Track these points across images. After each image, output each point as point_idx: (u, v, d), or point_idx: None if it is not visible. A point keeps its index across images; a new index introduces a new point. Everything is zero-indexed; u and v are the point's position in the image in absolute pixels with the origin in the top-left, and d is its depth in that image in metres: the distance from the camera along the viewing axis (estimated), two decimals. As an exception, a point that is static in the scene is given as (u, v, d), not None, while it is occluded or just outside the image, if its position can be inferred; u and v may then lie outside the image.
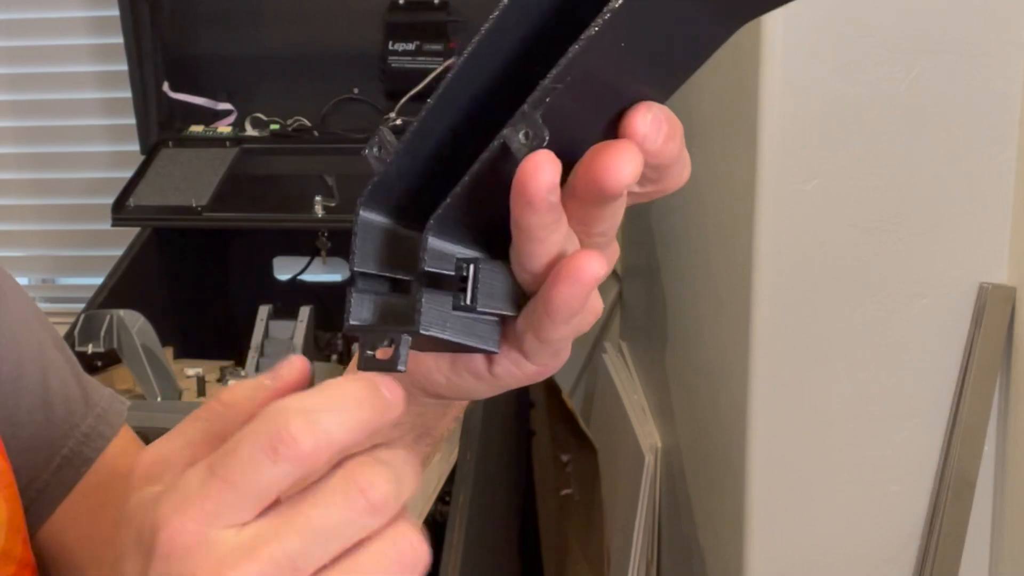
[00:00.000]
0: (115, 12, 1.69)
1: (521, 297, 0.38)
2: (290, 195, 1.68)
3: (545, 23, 0.35)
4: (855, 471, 1.20)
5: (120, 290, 1.50)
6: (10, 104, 2.08)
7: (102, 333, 1.33)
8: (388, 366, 0.35)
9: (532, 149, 0.32)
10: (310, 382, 0.34)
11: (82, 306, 1.45)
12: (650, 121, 0.34)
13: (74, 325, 1.36)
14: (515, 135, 0.32)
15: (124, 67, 1.72)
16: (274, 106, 1.74)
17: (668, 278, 1.61)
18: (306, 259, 1.75)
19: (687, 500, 1.51)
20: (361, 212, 0.36)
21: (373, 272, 0.37)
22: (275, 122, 1.73)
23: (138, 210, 1.58)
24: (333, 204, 1.54)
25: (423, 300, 0.35)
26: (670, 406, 1.60)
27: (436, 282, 0.36)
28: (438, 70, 1.67)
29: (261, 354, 1.38)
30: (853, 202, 1.12)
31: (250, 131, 1.72)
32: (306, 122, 1.73)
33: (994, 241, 1.12)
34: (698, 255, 1.43)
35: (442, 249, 0.35)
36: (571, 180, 0.35)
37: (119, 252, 1.59)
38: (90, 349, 1.33)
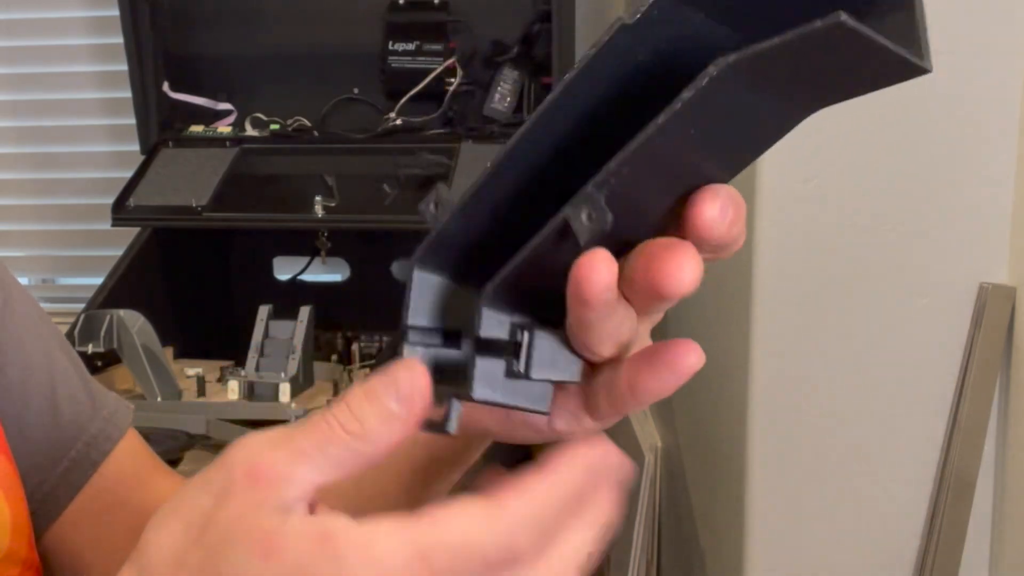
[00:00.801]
0: (115, 12, 1.68)
1: (578, 363, 0.37)
2: (290, 195, 1.67)
3: (614, 96, 0.34)
4: (855, 471, 1.20)
5: (120, 290, 1.50)
6: (10, 104, 2.08)
7: (102, 333, 1.33)
8: (439, 428, 0.35)
9: (594, 232, 0.32)
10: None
11: (82, 306, 1.45)
12: (718, 209, 0.34)
13: (74, 325, 1.36)
14: (578, 215, 0.32)
15: (124, 67, 1.72)
16: (274, 106, 1.74)
17: (668, 278, 1.61)
18: (306, 259, 1.75)
19: (687, 500, 1.51)
20: (416, 270, 0.36)
21: (425, 325, 0.37)
22: (275, 122, 1.73)
23: (138, 210, 1.58)
24: (333, 204, 1.54)
25: (476, 367, 0.35)
26: (670, 406, 1.60)
27: (489, 345, 0.36)
28: (438, 70, 1.67)
29: (261, 354, 1.38)
30: (853, 202, 1.12)
31: (250, 131, 1.72)
32: (306, 122, 1.73)
33: (994, 241, 1.12)
34: (698, 255, 1.43)
35: (497, 315, 0.35)
36: (630, 274, 0.34)
37: (119, 252, 1.59)
38: (90, 349, 1.33)
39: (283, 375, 1.33)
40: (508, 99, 1.68)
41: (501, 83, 1.68)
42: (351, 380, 1.45)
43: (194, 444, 1.17)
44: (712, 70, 0.29)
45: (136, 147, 1.73)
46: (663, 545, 1.64)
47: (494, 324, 0.35)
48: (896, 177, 1.12)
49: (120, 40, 1.70)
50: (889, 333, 1.15)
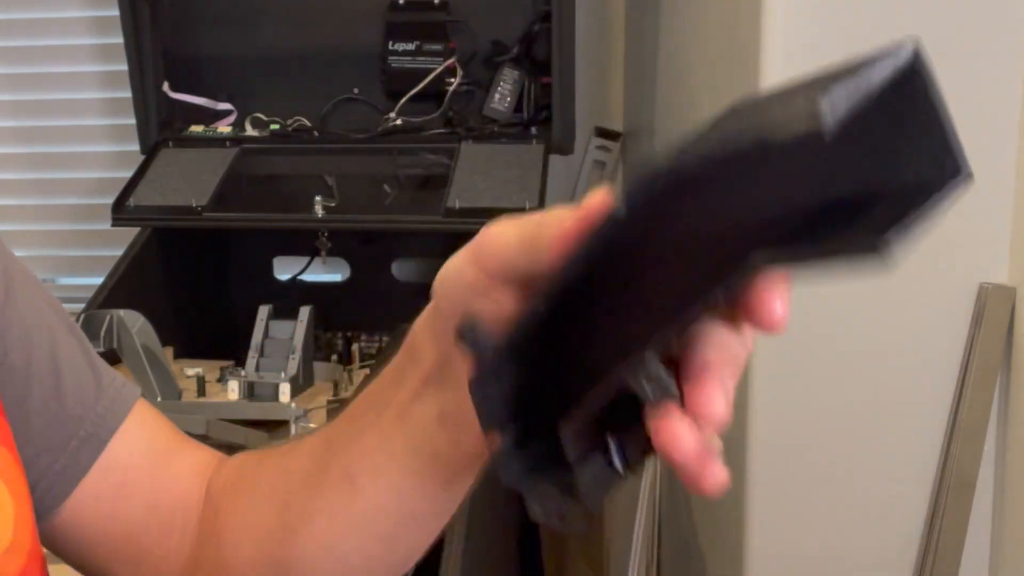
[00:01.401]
0: (115, 12, 1.68)
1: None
2: (290, 195, 1.68)
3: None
4: (855, 471, 1.20)
5: (120, 290, 1.50)
6: (10, 104, 2.08)
7: (102, 333, 1.33)
8: (567, 526, 0.37)
9: (661, 398, 0.34)
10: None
11: (82, 306, 1.45)
12: (780, 314, 0.38)
13: (74, 325, 1.35)
14: (642, 387, 0.34)
15: (124, 67, 1.72)
16: (274, 106, 1.74)
17: (668, 278, 1.61)
18: (306, 259, 1.75)
19: (687, 500, 1.51)
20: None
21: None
22: (275, 122, 1.73)
23: (138, 210, 1.58)
24: (333, 204, 1.54)
25: (585, 480, 0.36)
26: (670, 406, 1.60)
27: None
28: (438, 70, 1.67)
29: (261, 354, 1.38)
30: (853, 202, 1.12)
31: (250, 131, 1.72)
32: (306, 122, 1.73)
33: (994, 241, 1.12)
34: (698, 255, 1.43)
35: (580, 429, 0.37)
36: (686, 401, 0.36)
37: (119, 252, 1.59)
38: (90, 349, 1.33)
39: (283, 375, 1.33)
40: (508, 99, 1.68)
41: (501, 83, 1.68)
42: (351, 380, 1.45)
43: (194, 444, 1.17)
44: (748, 265, 0.31)
45: (136, 147, 1.73)
46: (663, 545, 1.64)
47: (579, 439, 0.36)
48: (896, 177, 1.12)
49: (120, 40, 1.70)
50: (889, 333, 1.15)
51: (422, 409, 0.49)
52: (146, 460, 0.62)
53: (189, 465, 0.62)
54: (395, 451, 0.50)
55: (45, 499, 0.58)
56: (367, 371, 1.50)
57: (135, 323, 1.34)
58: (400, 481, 0.51)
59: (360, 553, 0.54)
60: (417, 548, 0.55)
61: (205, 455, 0.64)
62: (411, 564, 0.56)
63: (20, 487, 0.53)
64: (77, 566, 0.62)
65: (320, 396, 1.38)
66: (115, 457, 0.60)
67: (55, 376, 0.59)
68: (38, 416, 0.58)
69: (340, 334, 1.64)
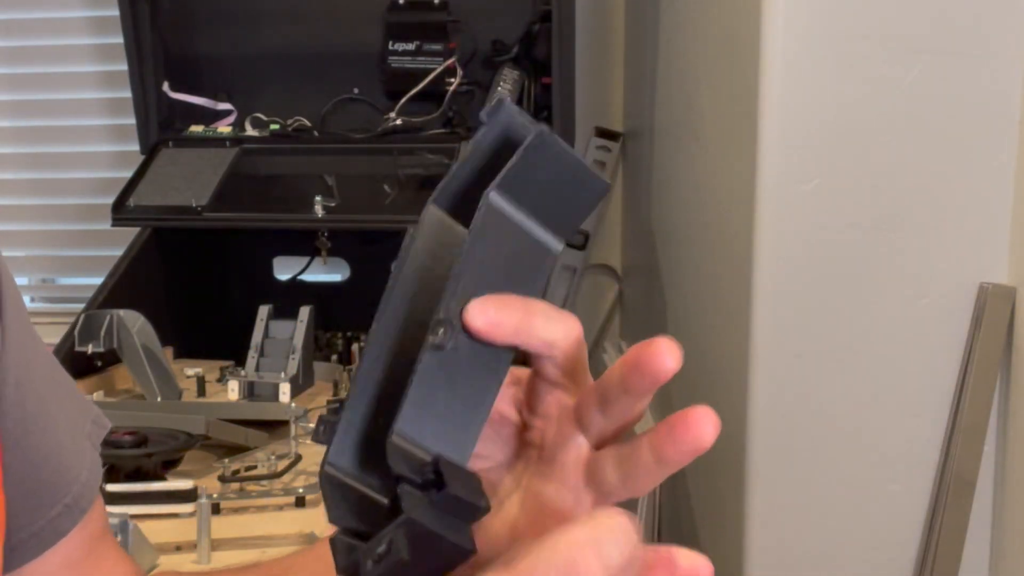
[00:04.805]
0: (115, 12, 1.69)
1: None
2: (290, 195, 1.68)
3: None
4: (855, 470, 1.20)
5: (120, 290, 1.50)
6: (10, 104, 2.08)
7: (102, 333, 1.33)
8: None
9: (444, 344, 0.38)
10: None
11: (82, 306, 1.45)
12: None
13: (74, 325, 1.35)
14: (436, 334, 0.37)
15: (124, 67, 1.72)
16: (274, 106, 1.74)
17: (668, 278, 1.61)
18: (306, 259, 1.75)
19: (687, 500, 1.51)
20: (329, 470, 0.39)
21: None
22: (275, 122, 1.73)
23: (138, 210, 1.58)
24: (333, 204, 1.54)
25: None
26: (671, 406, 1.60)
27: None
28: (438, 70, 1.67)
29: (261, 354, 1.38)
30: (853, 202, 1.12)
31: (250, 131, 1.72)
32: (306, 122, 1.73)
33: (994, 241, 1.12)
34: (699, 255, 1.43)
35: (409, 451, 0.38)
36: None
37: (119, 252, 1.59)
38: (90, 349, 1.33)
39: (283, 375, 1.33)
40: (508, 99, 1.68)
41: (501, 83, 1.68)
42: (351, 380, 1.45)
43: (194, 444, 1.16)
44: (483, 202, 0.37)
45: (136, 147, 1.73)
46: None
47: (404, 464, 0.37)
48: (896, 177, 1.12)
49: (120, 40, 1.70)
50: (889, 333, 1.15)
51: None
52: (105, 529, 0.62)
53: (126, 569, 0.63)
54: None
55: (14, 554, 0.57)
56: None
57: (135, 323, 1.34)
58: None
59: None
60: None
61: (129, 563, 0.64)
62: None
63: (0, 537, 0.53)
64: None
65: (320, 396, 1.38)
66: (87, 526, 0.59)
67: (54, 436, 0.58)
68: (32, 471, 0.57)
69: (340, 334, 1.64)
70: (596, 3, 1.93)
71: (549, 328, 0.39)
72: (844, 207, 1.12)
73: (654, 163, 1.67)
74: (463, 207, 0.39)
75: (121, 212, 1.58)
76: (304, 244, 1.72)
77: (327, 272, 1.77)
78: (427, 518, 0.35)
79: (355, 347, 1.56)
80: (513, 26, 1.70)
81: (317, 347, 1.53)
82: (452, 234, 0.40)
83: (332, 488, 0.38)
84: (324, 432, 0.39)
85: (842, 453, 1.19)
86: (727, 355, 1.27)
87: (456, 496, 0.35)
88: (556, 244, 0.39)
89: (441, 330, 0.37)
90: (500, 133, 0.40)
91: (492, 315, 0.38)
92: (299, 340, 1.37)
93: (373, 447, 0.38)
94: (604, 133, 1.95)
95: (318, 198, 1.53)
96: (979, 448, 1.15)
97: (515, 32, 1.69)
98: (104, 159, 2.07)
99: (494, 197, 0.37)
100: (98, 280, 1.55)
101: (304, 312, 1.39)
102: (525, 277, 0.40)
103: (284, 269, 1.80)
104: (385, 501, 0.37)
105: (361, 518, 0.38)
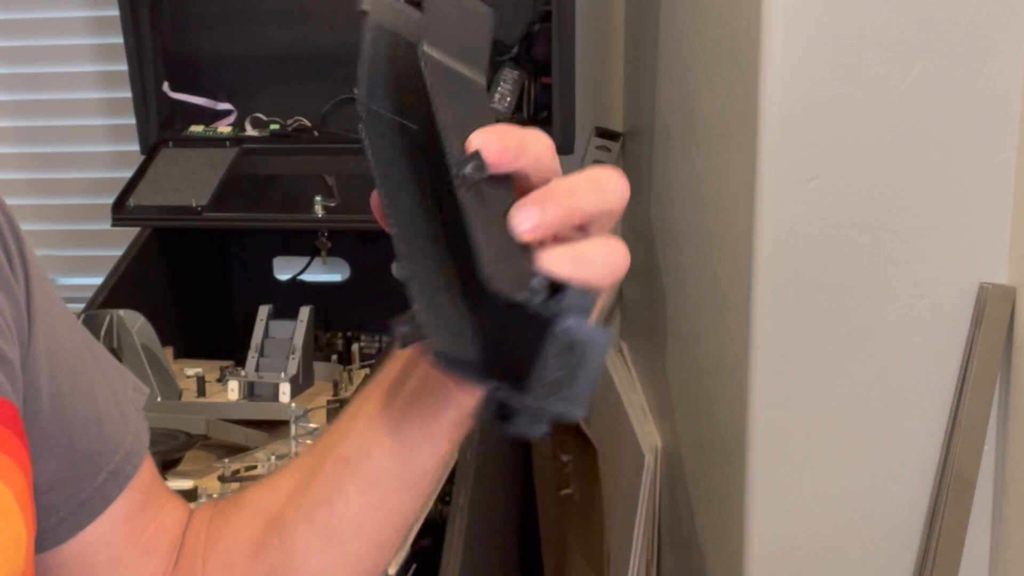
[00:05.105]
0: (115, 12, 1.69)
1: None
2: (290, 195, 1.68)
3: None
4: (855, 470, 1.20)
5: (120, 290, 1.50)
6: (10, 104, 2.08)
7: (102, 333, 1.33)
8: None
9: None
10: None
11: (82, 306, 1.45)
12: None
13: (74, 325, 1.35)
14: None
15: (124, 67, 1.72)
16: (274, 106, 1.74)
17: (668, 278, 1.61)
18: (306, 259, 1.75)
19: (687, 500, 1.51)
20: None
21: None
22: (275, 122, 1.73)
23: (138, 210, 1.58)
24: (333, 204, 1.54)
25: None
26: (670, 406, 1.60)
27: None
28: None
29: (261, 354, 1.38)
30: (853, 202, 1.12)
31: (250, 131, 1.72)
32: (306, 122, 1.73)
33: (994, 241, 1.12)
34: (698, 255, 1.43)
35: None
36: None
37: (119, 252, 1.59)
38: (90, 349, 1.33)
39: (283, 375, 1.33)
40: (508, 99, 1.68)
41: (501, 83, 1.68)
42: (351, 380, 1.45)
43: (194, 444, 1.16)
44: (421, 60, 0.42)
45: (136, 147, 1.73)
46: (663, 545, 1.64)
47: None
48: (896, 177, 1.12)
49: (120, 40, 1.70)
50: (889, 333, 1.15)
51: (393, 367, 0.55)
52: (155, 490, 0.63)
53: (176, 504, 0.65)
54: (374, 413, 0.55)
55: (57, 529, 0.58)
56: (367, 371, 1.50)
57: (135, 323, 1.34)
58: (385, 438, 0.54)
59: (358, 534, 0.56)
60: (406, 516, 0.57)
61: (178, 500, 0.66)
62: (400, 538, 0.58)
63: (31, 515, 0.54)
64: None
65: (320, 396, 1.38)
66: (133, 489, 0.61)
67: (95, 405, 0.60)
68: (78, 442, 0.58)
69: (340, 334, 1.64)
70: (596, 3, 1.93)
71: (535, 143, 0.45)
72: (844, 207, 1.12)
73: (654, 163, 1.67)
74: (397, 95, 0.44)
75: (121, 212, 1.58)
76: (304, 244, 1.72)
77: (327, 272, 1.77)
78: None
79: (355, 347, 1.57)
80: (513, 26, 1.70)
81: (317, 347, 1.53)
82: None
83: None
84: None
85: (842, 453, 1.19)
86: (727, 355, 1.27)
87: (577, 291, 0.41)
88: (482, 80, 0.45)
89: (468, 166, 0.41)
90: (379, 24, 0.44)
91: (497, 143, 0.43)
92: (299, 340, 1.37)
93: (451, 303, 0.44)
94: (604, 133, 1.95)
95: (318, 198, 1.53)
96: (979, 448, 1.15)
97: (515, 32, 1.69)
98: (104, 159, 2.07)
99: (428, 49, 0.42)
100: (98, 280, 1.55)
101: (304, 312, 1.39)
102: (481, 113, 0.44)
103: (284, 269, 1.80)
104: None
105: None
